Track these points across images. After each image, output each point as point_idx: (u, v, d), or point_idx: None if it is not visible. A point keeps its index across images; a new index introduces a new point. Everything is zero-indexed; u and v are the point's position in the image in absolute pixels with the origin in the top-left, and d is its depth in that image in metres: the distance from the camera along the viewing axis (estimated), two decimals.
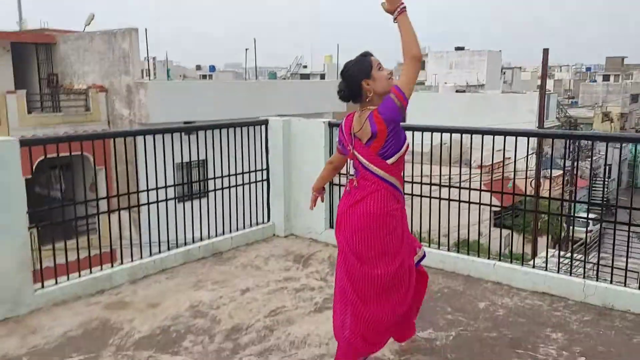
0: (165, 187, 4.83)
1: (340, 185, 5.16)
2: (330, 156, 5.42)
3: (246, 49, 21.43)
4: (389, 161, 2.89)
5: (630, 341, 3.59)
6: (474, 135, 4.70)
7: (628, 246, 4.15)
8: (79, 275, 4.28)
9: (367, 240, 2.91)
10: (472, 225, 5.17)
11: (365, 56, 2.98)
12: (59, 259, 4.06)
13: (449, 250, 4.94)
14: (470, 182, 5.20)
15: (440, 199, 4.83)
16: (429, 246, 4.97)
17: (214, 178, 5.22)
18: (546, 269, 4.45)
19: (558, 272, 4.42)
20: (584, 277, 4.27)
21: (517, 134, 4.59)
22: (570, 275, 4.37)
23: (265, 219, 5.69)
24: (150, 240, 4.79)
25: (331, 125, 5.32)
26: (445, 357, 3.38)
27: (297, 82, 26.39)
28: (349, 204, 2.98)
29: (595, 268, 6.06)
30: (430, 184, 4.94)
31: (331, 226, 5.39)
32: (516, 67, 49.50)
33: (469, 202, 4.78)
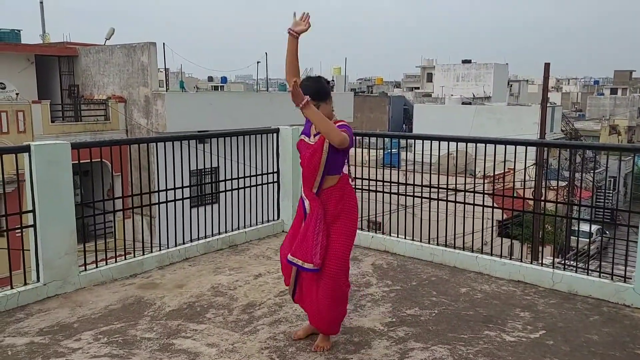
0: (182, 190, 5.52)
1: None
2: None
3: (257, 62, 22.23)
4: None
5: (587, 319, 4.20)
6: (479, 146, 5.24)
7: (590, 240, 4.76)
8: (115, 261, 4.97)
9: None
10: (477, 232, 5.60)
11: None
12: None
13: (437, 244, 5.58)
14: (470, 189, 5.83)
15: (437, 199, 5.47)
16: (420, 240, 5.62)
17: (231, 179, 5.91)
18: (521, 261, 5.08)
19: (531, 263, 5.05)
20: (552, 267, 4.89)
21: (515, 143, 5.06)
22: (542, 265, 4.99)
23: (276, 217, 6.39)
24: (163, 239, 5.46)
25: None
26: (427, 329, 4.01)
27: None
28: None
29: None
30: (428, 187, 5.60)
31: None
32: (523, 80, 50.06)
33: (461, 203, 5.42)
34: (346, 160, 3.58)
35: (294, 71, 3.50)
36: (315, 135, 3.46)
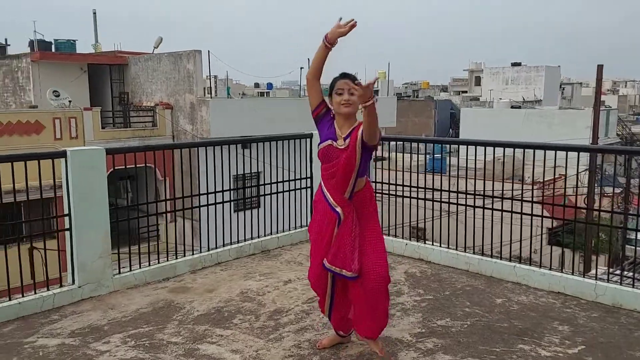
0: (222, 197, 5.55)
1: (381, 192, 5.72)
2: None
3: (301, 67, 22.32)
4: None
5: (631, 335, 3.96)
6: (528, 151, 4.98)
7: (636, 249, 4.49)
8: (149, 264, 5.04)
9: None
10: (525, 240, 5.30)
11: (337, 78, 3.42)
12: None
13: (474, 252, 5.40)
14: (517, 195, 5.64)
15: (471, 206, 5.31)
16: (456, 249, 5.46)
17: (264, 184, 5.93)
18: (562, 271, 4.84)
19: (572, 273, 4.81)
20: (595, 279, 4.64)
21: (556, 148, 4.82)
22: (584, 277, 4.74)
23: (308, 222, 6.32)
24: (207, 241, 5.52)
25: None
26: (457, 340, 3.87)
27: None
28: None
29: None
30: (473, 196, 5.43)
31: None
32: (576, 83, 48.29)
33: (510, 212, 5.23)
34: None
35: (317, 75, 3.45)
36: (345, 139, 3.38)
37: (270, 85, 37.22)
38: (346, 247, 3.39)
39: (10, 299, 4.26)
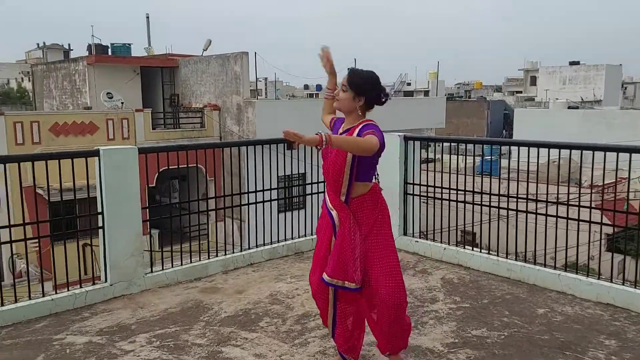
0: (269, 198, 5.52)
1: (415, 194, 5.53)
2: (404, 170, 5.81)
3: (348, 68, 22.21)
4: None
5: None
6: (587, 153, 4.64)
7: None
8: (181, 264, 5.05)
9: None
10: (582, 246, 4.92)
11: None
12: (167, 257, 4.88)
13: (516, 259, 5.12)
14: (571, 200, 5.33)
15: (534, 214, 5.03)
16: (497, 254, 5.19)
17: (298, 185, 5.84)
18: (611, 281, 4.51)
19: (623, 283, 4.47)
20: None
21: (614, 149, 4.50)
22: (635, 287, 4.40)
23: None
24: (242, 241, 5.48)
25: (406, 139, 5.72)
26: (492, 352, 3.65)
27: (400, 99, 26.80)
28: None
29: None
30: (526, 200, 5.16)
31: (405, 233, 5.77)
32: None
33: (564, 218, 4.93)
34: (376, 168, 3.27)
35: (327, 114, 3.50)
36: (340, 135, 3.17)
37: (319, 87, 37.33)
38: (347, 257, 3.11)
39: (44, 295, 4.34)
